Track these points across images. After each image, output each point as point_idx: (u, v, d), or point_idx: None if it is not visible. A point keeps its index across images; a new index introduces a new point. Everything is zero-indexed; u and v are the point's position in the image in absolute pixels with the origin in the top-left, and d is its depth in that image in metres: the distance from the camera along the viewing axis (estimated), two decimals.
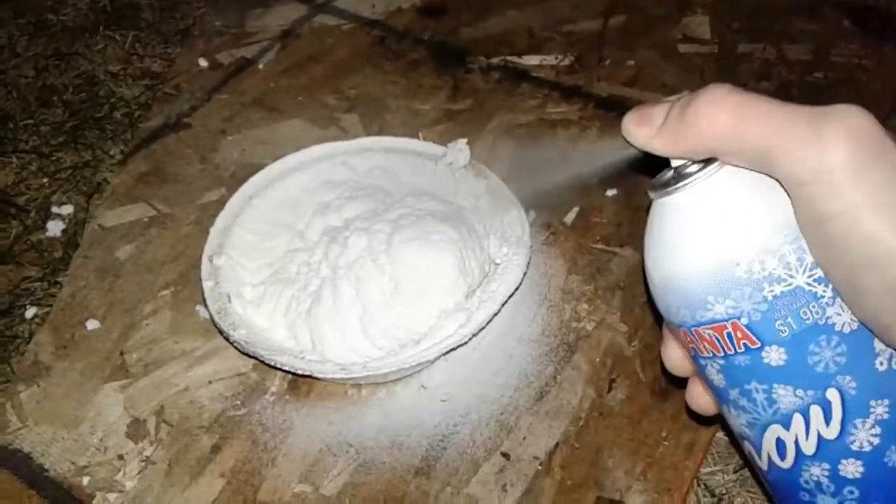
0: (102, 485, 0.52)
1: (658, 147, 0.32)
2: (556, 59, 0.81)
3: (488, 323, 0.54)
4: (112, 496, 0.52)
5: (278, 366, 0.52)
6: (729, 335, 0.32)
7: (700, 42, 0.81)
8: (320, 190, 0.63)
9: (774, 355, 0.31)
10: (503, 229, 0.59)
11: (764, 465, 0.34)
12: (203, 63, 0.82)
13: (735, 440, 0.35)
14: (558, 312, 0.60)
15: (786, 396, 0.31)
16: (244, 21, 0.88)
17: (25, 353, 0.60)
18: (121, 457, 0.54)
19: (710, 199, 0.31)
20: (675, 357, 0.37)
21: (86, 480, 0.53)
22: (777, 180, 0.30)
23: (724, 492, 0.51)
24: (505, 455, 0.53)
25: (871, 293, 0.28)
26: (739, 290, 0.31)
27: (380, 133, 0.73)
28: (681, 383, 0.39)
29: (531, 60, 0.81)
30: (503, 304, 0.54)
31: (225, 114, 0.77)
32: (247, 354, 0.54)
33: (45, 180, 0.73)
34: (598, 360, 0.57)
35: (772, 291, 0.30)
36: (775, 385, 0.32)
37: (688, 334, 0.33)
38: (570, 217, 0.66)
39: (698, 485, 0.51)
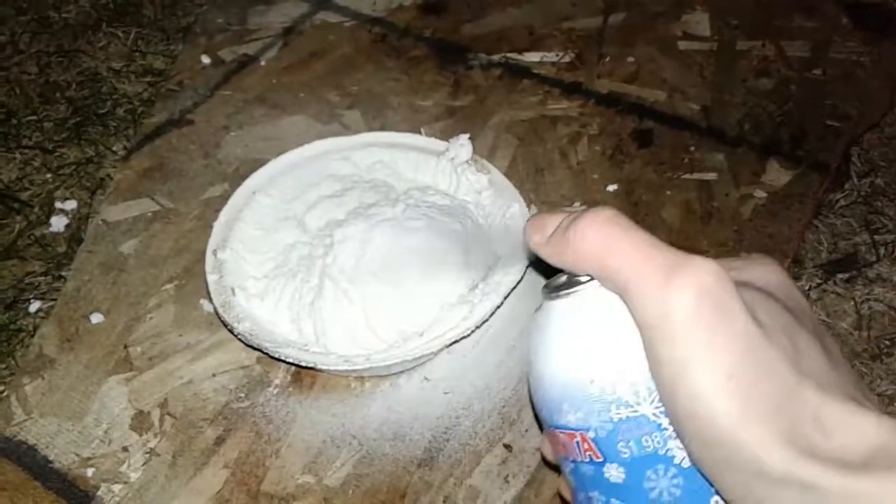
0: (107, 476, 0.53)
1: (545, 256, 0.33)
2: (557, 55, 0.81)
3: (491, 315, 0.54)
4: (116, 487, 0.52)
5: (282, 358, 0.53)
6: (577, 443, 0.33)
7: (699, 39, 0.82)
8: (323, 184, 0.63)
9: (615, 472, 0.32)
10: (505, 223, 0.59)
11: None
12: (205, 60, 0.83)
13: None
14: None
15: None
16: (246, 18, 0.88)
17: (30, 346, 0.60)
18: (125, 448, 0.54)
19: (579, 314, 0.33)
20: (547, 450, 0.39)
21: (90, 472, 0.53)
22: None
23: None
24: (507, 447, 0.53)
25: (692, 441, 0.29)
26: (590, 405, 0.32)
27: (382, 129, 0.73)
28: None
29: (532, 57, 0.81)
30: (506, 297, 0.54)
31: (227, 110, 0.77)
32: (251, 347, 0.55)
33: (49, 176, 0.74)
34: None
35: (618, 414, 0.32)
36: (613, 499, 0.33)
37: (548, 432, 0.35)
38: None
39: None
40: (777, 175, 0.70)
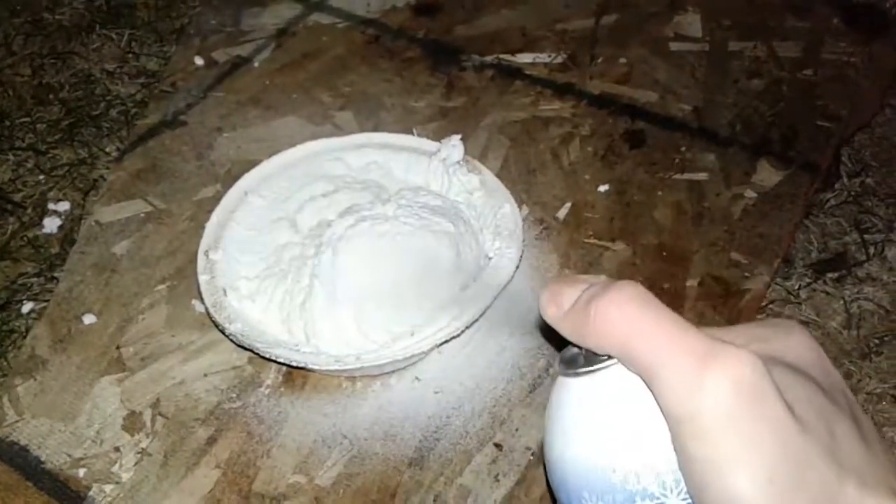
0: (99, 477, 0.53)
1: (563, 331, 0.31)
2: (549, 56, 0.81)
3: (481, 316, 0.54)
4: (108, 488, 0.52)
5: (274, 358, 0.53)
6: None
7: (692, 40, 0.82)
8: (315, 185, 0.63)
9: None
10: (496, 223, 0.59)
11: None
12: (199, 61, 0.83)
13: None
14: None
15: None
16: (240, 20, 0.88)
17: (22, 347, 0.60)
18: (117, 449, 0.54)
19: (600, 397, 0.31)
20: None
21: (82, 472, 0.53)
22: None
23: None
24: (497, 446, 0.53)
25: None
26: (612, 495, 0.30)
27: (375, 130, 0.73)
28: None
29: (524, 58, 0.81)
30: (496, 297, 0.55)
31: (221, 111, 0.78)
32: (242, 347, 0.55)
33: (42, 177, 0.74)
34: None
35: None
36: None
37: None
38: (562, 212, 0.67)
39: None
40: (768, 175, 0.70)
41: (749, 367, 0.26)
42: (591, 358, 0.31)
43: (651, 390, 0.28)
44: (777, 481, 0.26)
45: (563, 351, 0.34)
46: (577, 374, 0.31)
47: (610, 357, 0.30)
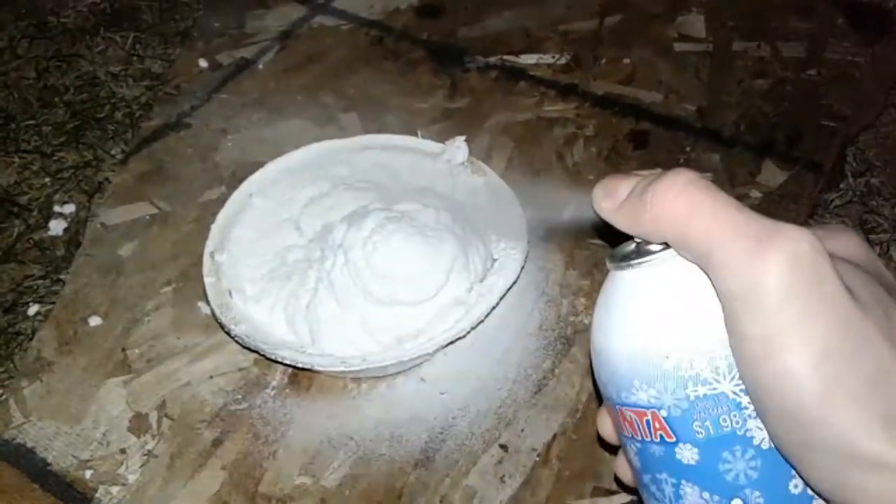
0: (105, 478, 0.53)
1: (618, 223, 0.31)
2: (553, 58, 0.81)
3: (486, 317, 0.54)
4: (115, 489, 0.52)
5: (279, 360, 0.53)
6: (648, 422, 0.31)
7: (695, 40, 0.82)
8: (320, 187, 0.63)
9: (687, 454, 0.31)
10: (501, 224, 0.59)
11: None
12: (203, 64, 0.83)
13: None
14: (556, 306, 0.60)
15: (692, 496, 0.31)
16: (244, 22, 0.88)
17: (28, 349, 0.60)
18: (123, 451, 0.54)
19: (654, 286, 0.31)
20: (606, 427, 0.37)
21: (88, 474, 0.53)
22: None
23: None
24: (503, 447, 0.53)
25: (777, 421, 0.28)
26: (664, 382, 0.30)
27: (379, 132, 0.73)
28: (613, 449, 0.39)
29: (528, 60, 0.81)
30: (501, 298, 0.55)
31: (225, 113, 0.78)
32: (248, 349, 0.55)
33: (48, 180, 0.74)
34: None
35: (695, 391, 0.30)
36: (684, 482, 0.31)
37: (612, 410, 0.34)
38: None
39: None
40: (772, 175, 0.70)
41: (808, 243, 0.26)
42: (645, 250, 0.31)
43: (707, 272, 0.29)
44: (832, 357, 0.26)
45: (615, 249, 0.34)
46: (631, 266, 0.31)
47: (664, 247, 0.31)
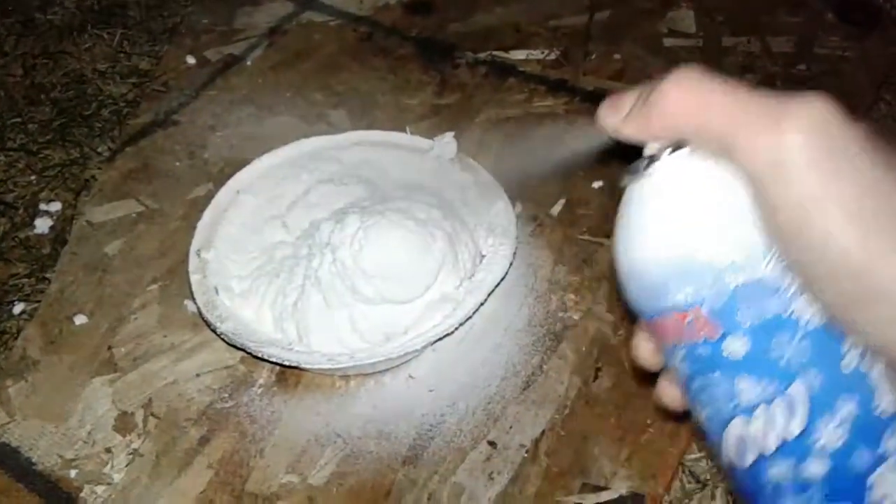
0: (90, 478, 0.52)
1: (627, 132, 0.31)
2: (543, 53, 0.81)
3: (475, 313, 0.54)
4: (100, 489, 0.52)
5: (266, 357, 0.52)
6: (690, 323, 0.31)
7: (685, 35, 0.82)
8: (307, 184, 0.63)
9: (736, 346, 0.30)
10: (490, 220, 0.59)
11: (726, 462, 0.32)
12: (191, 60, 0.83)
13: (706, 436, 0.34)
14: (545, 303, 0.60)
15: (747, 390, 0.30)
16: (232, 18, 0.88)
17: (14, 348, 0.60)
18: (108, 450, 0.54)
19: (675, 186, 0.31)
20: (644, 349, 0.36)
21: (73, 473, 0.53)
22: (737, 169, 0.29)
23: (708, 478, 0.51)
24: (491, 443, 0.53)
25: (824, 285, 0.28)
26: (701, 277, 0.30)
27: (369, 128, 0.73)
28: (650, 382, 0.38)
29: (518, 55, 0.81)
30: (489, 294, 0.54)
31: (213, 110, 0.77)
32: (234, 346, 0.54)
33: (33, 178, 0.74)
34: (584, 349, 0.57)
35: (734, 280, 0.30)
36: (736, 377, 0.30)
37: (652, 323, 0.33)
38: (556, 209, 0.66)
39: (683, 471, 0.52)
40: None
41: (824, 108, 0.27)
42: (658, 155, 0.31)
43: (729, 158, 0.29)
44: (866, 212, 0.26)
45: (627, 167, 0.33)
46: (647, 174, 0.31)
47: (677, 149, 0.30)
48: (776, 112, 0.27)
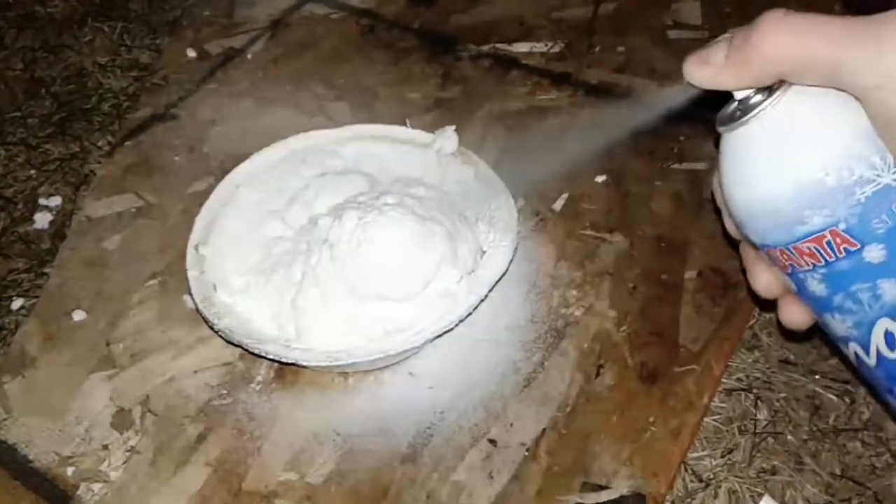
0: (87, 475, 0.52)
1: (725, 81, 0.34)
2: (546, 46, 0.80)
3: (475, 309, 0.53)
4: (97, 486, 0.51)
5: (263, 354, 0.52)
6: (829, 243, 0.34)
7: (691, 28, 0.81)
8: (307, 178, 0.62)
9: (875, 252, 0.33)
10: (491, 215, 0.58)
11: (872, 360, 0.36)
12: (191, 53, 0.82)
13: (835, 347, 0.39)
14: (547, 299, 0.59)
15: (890, 289, 0.34)
16: (233, 11, 0.87)
17: (12, 344, 0.59)
18: (105, 447, 0.53)
19: (787, 120, 0.33)
20: (764, 280, 0.40)
21: (70, 471, 0.52)
22: (846, 91, 0.32)
23: (711, 477, 0.51)
24: (492, 442, 0.52)
25: None
26: (833, 198, 0.33)
27: (369, 122, 0.72)
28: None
29: (521, 48, 0.80)
30: (490, 290, 0.54)
31: (213, 104, 0.77)
32: (232, 343, 0.54)
33: (33, 172, 0.73)
34: (586, 346, 0.56)
35: (863, 193, 0.33)
36: (879, 280, 0.34)
37: (784, 252, 0.36)
38: (559, 203, 0.66)
39: (685, 470, 0.51)
40: None
41: None
42: (753, 102, 0.34)
43: (838, 83, 0.31)
44: None
45: (719, 116, 0.36)
46: (754, 116, 0.34)
47: (769, 90, 0.34)
48: (875, 31, 0.30)
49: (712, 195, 0.41)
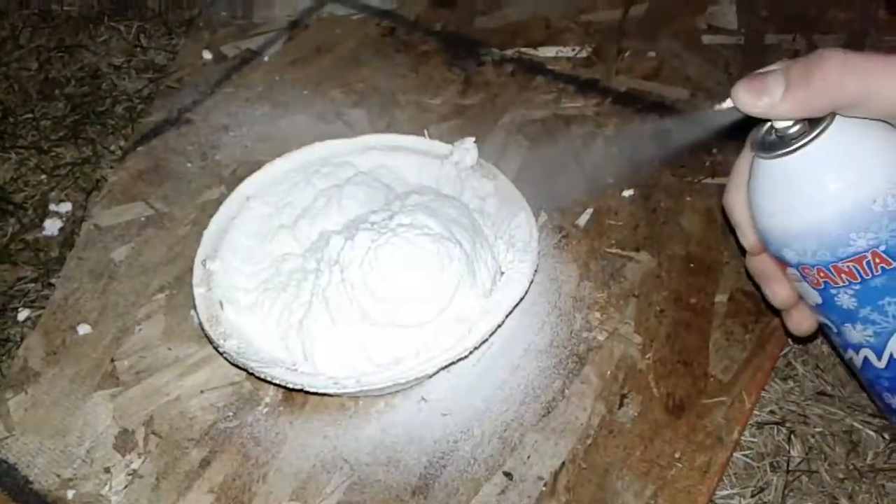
0: (87, 499, 0.50)
1: (783, 112, 0.35)
2: (573, 50, 0.77)
3: (491, 335, 0.50)
4: None
5: (269, 379, 0.50)
6: (868, 263, 0.36)
7: (726, 32, 0.77)
8: (319, 191, 0.60)
9: None
10: (510, 233, 0.55)
11: (882, 363, 0.39)
12: (207, 56, 0.80)
13: (837, 348, 0.42)
14: (568, 321, 0.56)
15: None
16: (251, 11, 0.85)
17: (16, 357, 0.58)
18: (107, 469, 0.52)
19: (837, 150, 0.35)
20: (782, 294, 0.42)
21: (70, 494, 0.51)
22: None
23: None
24: (507, 475, 0.50)
25: None
26: (878, 222, 0.35)
27: (388, 129, 0.70)
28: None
29: (547, 52, 0.77)
30: (507, 316, 0.51)
31: (228, 108, 0.74)
32: (236, 366, 0.52)
33: (44, 177, 0.72)
34: (609, 373, 0.54)
35: None
36: None
37: (822, 270, 0.38)
38: (583, 219, 0.63)
39: None
40: None
41: None
42: (813, 125, 0.36)
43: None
44: None
45: (758, 142, 0.38)
46: (810, 142, 0.35)
47: (812, 121, 0.36)
48: None
49: (723, 209, 0.43)
